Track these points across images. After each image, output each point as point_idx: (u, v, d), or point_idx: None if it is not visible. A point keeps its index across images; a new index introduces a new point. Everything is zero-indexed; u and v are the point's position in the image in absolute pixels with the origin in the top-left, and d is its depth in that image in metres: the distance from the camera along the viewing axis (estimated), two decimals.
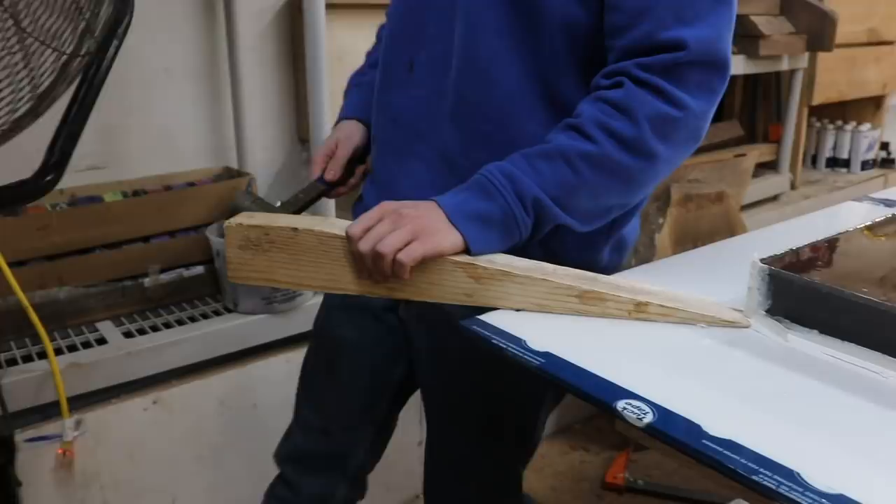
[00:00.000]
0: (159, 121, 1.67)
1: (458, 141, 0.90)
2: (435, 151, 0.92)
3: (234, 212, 0.96)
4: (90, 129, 1.56)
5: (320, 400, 1.11)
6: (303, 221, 0.86)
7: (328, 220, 0.87)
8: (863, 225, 0.90)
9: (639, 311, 0.78)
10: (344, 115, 1.09)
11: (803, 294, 0.72)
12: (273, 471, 1.60)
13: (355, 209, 1.08)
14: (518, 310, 0.80)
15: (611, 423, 2.20)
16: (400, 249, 0.77)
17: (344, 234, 0.82)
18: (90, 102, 1.08)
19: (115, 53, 1.09)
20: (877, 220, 0.92)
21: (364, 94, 1.07)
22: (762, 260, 0.75)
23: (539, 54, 0.85)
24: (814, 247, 0.82)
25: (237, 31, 1.66)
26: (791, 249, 0.79)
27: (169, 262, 1.59)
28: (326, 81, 1.58)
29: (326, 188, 1.06)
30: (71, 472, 1.37)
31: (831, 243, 0.85)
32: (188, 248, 1.60)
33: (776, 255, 0.77)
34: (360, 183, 1.08)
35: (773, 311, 0.75)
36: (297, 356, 1.57)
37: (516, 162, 0.82)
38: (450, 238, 0.79)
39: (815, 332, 0.72)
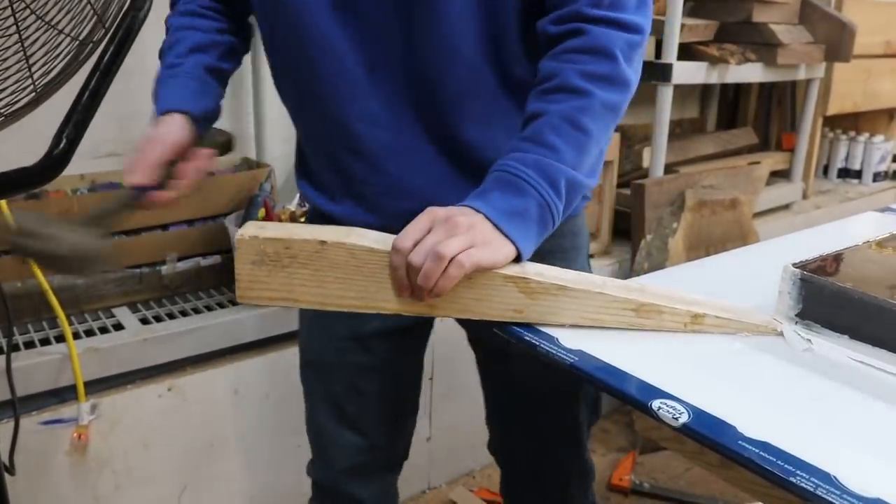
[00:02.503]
0: None
1: (449, 123, 0.89)
2: (432, 141, 0.91)
3: (16, 237, 0.81)
4: (111, 116, 1.58)
5: (357, 426, 1.09)
6: (329, 233, 0.76)
7: (356, 232, 0.77)
8: (888, 234, 0.91)
9: (695, 322, 0.76)
10: (163, 108, 0.92)
11: (834, 299, 0.73)
12: (284, 460, 1.62)
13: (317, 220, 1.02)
14: (571, 325, 0.76)
15: (617, 425, 2.21)
16: (461, 253, 0.72)
17: (379, 246, 0.75)
18: (102, 91, 1.05)
19: (132, 42, 1.07)
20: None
21: (184, 83, 0.95)
22: (794, 264, 0.75)
23: (494, 19, 0.86)
24: (841, 254, 0.83)
25: None
26: (821, 255, 0.80)
27: (186, 251, 1.59)
28: None
29: (138, 194, 0.87)
30: (85, 455, 1.37)
31: (858, 250, 0.85)
32: (206, 238, 1.61)
33: (806, 260, 0.77)
34: (195, 185, 0.93)
35: (803, 316, 0.75)
36: None
37: (530, 148, 0.79)
38: (503, 249, 0.75)
39: (846, 337, 0.72)
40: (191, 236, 1.60)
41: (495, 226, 0.75)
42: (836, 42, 2.39)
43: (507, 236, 0.75)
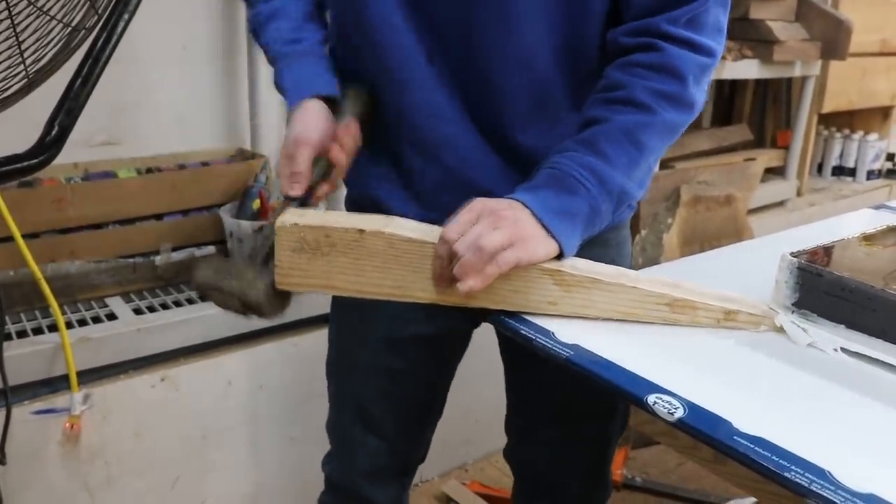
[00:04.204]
0: (175, 99, 1.67)
1: (506, 128, 0.88)
2: (488, 138, 0.89)
3: (202, 287, 0.81)
4: (105, 105, 1.57)
5: (381, 430, 1.07)
6: (368, 222, 0.78)
7: (395, 221, 0.79)
8: (885, 226, 0.91)
9: (728, 319, 0.76)
10: (302, 94, 0.89)
11: (831, 289, 0.72)
12: (278, 452, 1.62)
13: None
14: (603, 319, 0.77)
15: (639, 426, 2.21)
16: (501, 249, 0.72)
17: (416, 236, 0.76)
18: (94, 78, 1.05)
19: (124, 29, 1.06)
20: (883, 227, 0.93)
21: (314, 63, 0.92)
22: (792, 253, 0.75)
23: (576, 32, 0.84)
24: (835, 245, 0.83)
25: None
26: (819, 245, 0.80)
27: (181, 241, 1.59)
28: None
29: (302, 206, 0.86)
30: (77, 446, 1.37)
31: (852, 242, 0.86)
32: (200, 228, 1.60)
33: (804, 249, 0.78)
34: (336, 180, 0.90)
35: (799, 305, 0.75)
36: (305, 340, 1.59)
37: (584, 151, 0.79)
38: (545, 246, 0.75)
39: (842, 326, 0.72)
40: (185, 226, 1.59)
41: (541, 223, 0.75)
42: (832, 40, 2.39)
43: (551, 234, 0.75)
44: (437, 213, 0.83)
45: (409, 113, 0.90)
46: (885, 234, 0.89)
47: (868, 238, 0.87)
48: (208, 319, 1.49)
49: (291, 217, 0.78)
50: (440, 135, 0.90)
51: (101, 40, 1.06)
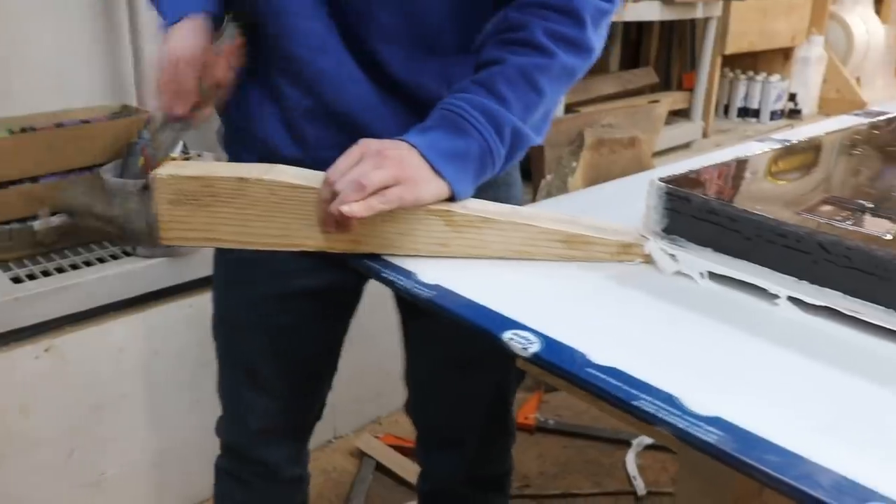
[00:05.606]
0: (51, 54, 1.57)
1: (389, 59, 0.84)
2: (373, 75, 0.85)
3: (72, 209, 0.82)
4: None
5: (271, 389, 1.04)
6: (249, 170, 0.76)
7: (276, 168, 0.77)
8: (761, 151, 0.92)
9: (624, 252, 0.76)
10: (181, 9, 0.84)
11: (698, 212, 0.72)
12: (177, 418, 1.57)
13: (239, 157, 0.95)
14: (498, 258, 0.76)
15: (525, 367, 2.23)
16: (385, 188, 0.70)
17: (299, 182, 0.74)
18: None
19: None
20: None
21: None
22: (660, 179, 0.75)
23: None
24: (714, 169, 0.83)
25: None
26: (690, 170, 0.80)
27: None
28: None
29: (184, 126, 0.85)
30: None
31: (730, 167, 0.86)
32: None
33: (674, 174, 0.77)
34: (216, 102, 0.88)
35: (669, 230, 0.75)
36: (199, 301, 1.54)
37: (480, 92, 0.78)
38: (433, 187, 0.74)
39: (709, 250, 0.72)
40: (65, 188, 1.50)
41: (430, 164, 0.73)
42: None
43: (441, 176, 0.73)
44: (316, 150, 0.81)
45: (286, 43, 0.85)
46: (783, 167, 0.90)
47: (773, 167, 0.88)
48: (94, 285, 1.42)
49: (168, 168, 0.75)
50: (318, 67, 0.85)
51: None
